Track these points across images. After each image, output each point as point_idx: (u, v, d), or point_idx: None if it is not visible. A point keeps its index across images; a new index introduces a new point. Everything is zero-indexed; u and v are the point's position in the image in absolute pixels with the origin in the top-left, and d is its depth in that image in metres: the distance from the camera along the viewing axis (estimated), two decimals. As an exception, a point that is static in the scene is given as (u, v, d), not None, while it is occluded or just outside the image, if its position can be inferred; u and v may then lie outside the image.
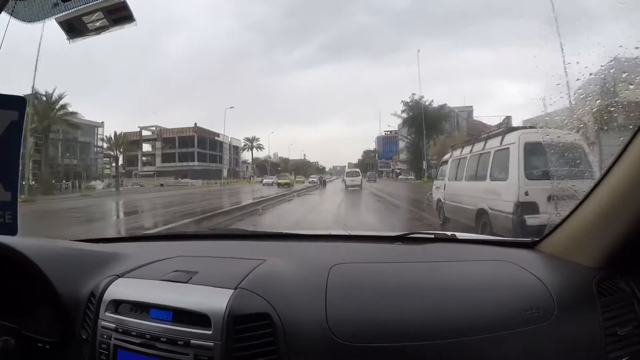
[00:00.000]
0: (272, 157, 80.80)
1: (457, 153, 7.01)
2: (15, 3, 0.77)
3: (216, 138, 50.90)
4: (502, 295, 0.94)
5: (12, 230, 0.77)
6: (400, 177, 46.14)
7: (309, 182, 36.70)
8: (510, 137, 5.02)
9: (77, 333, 0.98)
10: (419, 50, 50.81)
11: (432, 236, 1.35)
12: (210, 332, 0.84)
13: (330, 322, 0.86)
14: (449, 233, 1.40)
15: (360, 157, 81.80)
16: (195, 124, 47.41)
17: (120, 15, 0.91)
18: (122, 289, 0.98)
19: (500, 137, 5.32)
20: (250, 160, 65.94)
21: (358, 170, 30.30)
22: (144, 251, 1.29)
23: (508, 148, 4.92)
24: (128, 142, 34.49)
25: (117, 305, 0.95)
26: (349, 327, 0.86)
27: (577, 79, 1.55)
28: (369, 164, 66.39)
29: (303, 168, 73.55)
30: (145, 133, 51.80)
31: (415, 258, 1.17)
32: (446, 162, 7.48)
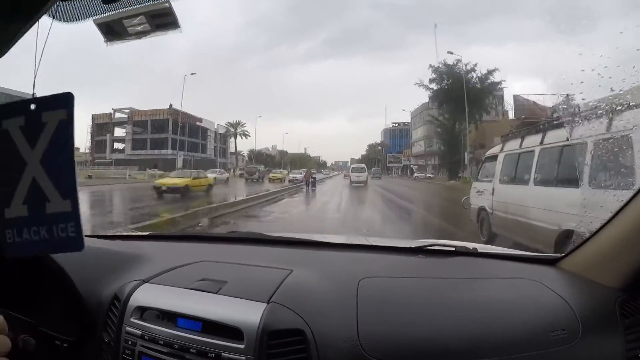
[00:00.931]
0: (270, 149, 74.54)
1: (513, 145, 5.31)
2: (58, 5, 0.76)
3: (198, 124, 44.33)
4: (526, 314, 0.94)
5: (77, 245, 0.70)
6: (415, 175, 39.83)
7: (289, 182, 25.68)
8: (626, 119, 2.42)
9: (96, 334, 0.98)
10: (435, 25, 44.44)
11: (454, 249, 1.34)
12: (242, 347, 0.84)
13: (362, 339, 0.86)
14: (470, 246, 1.37)
15: (365, 152, 75.69)
16: (171, 105, 40.74)
17: (164, 21, 0.89)
18: (148, 295, 0.98)
19: (605, 120, 2.70)
20: (244, 152, 59.54)
21: (364, 166, 29.29)
22: (166, 253, 1.32)
23: (627, 136, 2.57)
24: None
25: (143, 311, 0.95)
26: (381, 345, 0.85)
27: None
28: (374, 159, 60.08)
29: (302, 162, 67.00)
30: (119, 116, 45.21)
31: (439, 273, 1.17)
32: (494, 157, 5.66)
